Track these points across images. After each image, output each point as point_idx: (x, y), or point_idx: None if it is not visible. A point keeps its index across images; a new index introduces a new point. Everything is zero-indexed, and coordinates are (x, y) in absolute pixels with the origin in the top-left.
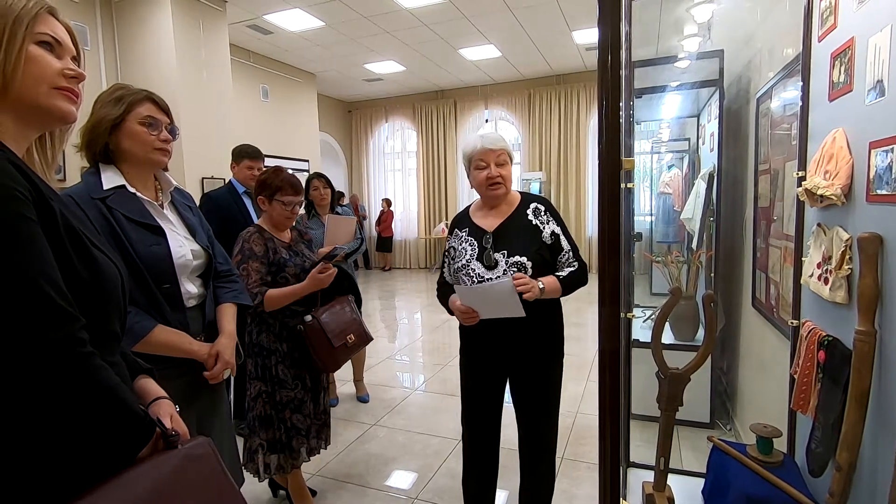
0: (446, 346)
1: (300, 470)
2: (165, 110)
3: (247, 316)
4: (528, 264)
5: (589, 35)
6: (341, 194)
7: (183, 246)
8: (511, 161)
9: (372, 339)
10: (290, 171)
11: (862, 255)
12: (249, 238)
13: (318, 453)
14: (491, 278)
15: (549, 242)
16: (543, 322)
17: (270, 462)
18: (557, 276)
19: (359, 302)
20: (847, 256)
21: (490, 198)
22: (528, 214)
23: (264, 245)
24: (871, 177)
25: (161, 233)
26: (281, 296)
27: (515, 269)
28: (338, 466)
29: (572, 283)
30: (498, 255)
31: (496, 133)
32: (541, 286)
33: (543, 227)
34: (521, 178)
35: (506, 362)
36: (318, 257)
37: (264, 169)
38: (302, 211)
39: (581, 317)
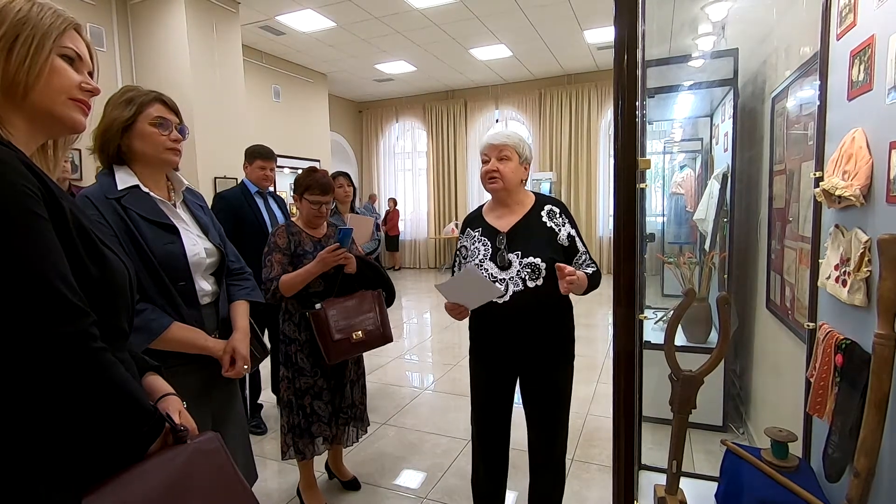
0: (456, 345)
1: (312, 464)
2: (175, 110)
3: (279, 306)
4: (542, 266)
5: (600, 34)
6: None
7: (196, 244)
8: (521, 157)
9: (391, 339)
10: (325, 173)
11: (882, 258)
12: (276, 232)
13: (346, 445)
14: (504, 279)
15: (566, 245)
16: (554, 322)
17: (290, 445)
18: (585, 273)
19: (391, 297)
20: (866, 258)
21: (489, 192)
22: (542, 216)
23: (288, 238)
24: (892, 177)
25: (175, 231)
26: (294, 278)
27: (529, 270)
28: (347, 465)
29: (593, 284)
30: (512, 256)
31: (509, 129)
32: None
33: (559, 230)
34: (531, 178)
35: (516, 362)
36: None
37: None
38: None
39: (592, 318)
